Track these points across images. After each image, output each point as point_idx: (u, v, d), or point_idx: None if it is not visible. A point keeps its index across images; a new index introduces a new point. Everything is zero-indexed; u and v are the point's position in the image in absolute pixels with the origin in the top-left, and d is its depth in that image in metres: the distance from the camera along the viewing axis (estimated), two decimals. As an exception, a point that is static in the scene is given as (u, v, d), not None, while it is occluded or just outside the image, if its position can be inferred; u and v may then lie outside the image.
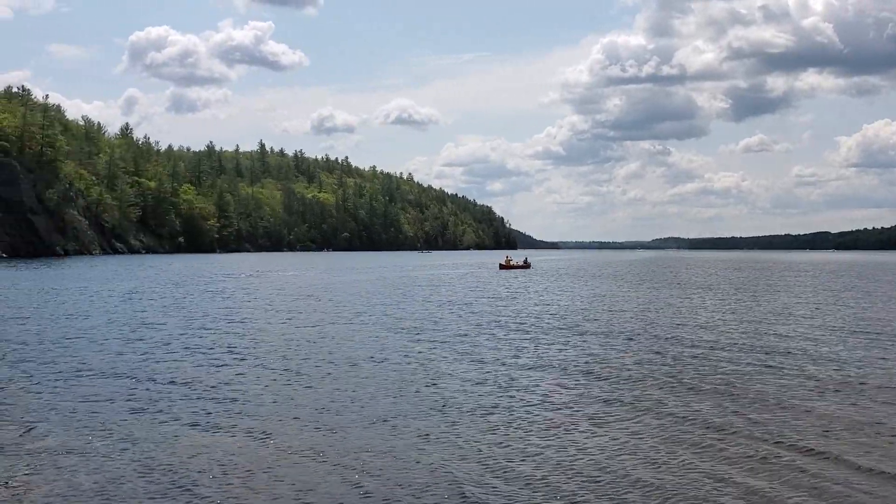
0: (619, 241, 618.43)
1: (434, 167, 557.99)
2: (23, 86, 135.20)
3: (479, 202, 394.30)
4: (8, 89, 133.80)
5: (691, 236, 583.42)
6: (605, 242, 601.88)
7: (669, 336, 20.18)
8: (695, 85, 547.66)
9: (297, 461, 8.89)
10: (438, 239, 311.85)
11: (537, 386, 13.19)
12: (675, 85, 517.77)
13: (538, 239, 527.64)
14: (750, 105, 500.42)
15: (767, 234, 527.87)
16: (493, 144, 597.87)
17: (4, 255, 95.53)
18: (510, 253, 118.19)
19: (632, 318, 25.32)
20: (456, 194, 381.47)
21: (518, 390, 12.82)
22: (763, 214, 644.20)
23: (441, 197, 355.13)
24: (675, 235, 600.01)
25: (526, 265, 76.20)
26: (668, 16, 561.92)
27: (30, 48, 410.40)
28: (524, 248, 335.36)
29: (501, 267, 73.35)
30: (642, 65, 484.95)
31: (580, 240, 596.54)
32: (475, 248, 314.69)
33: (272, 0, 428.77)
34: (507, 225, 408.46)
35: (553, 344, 18.63)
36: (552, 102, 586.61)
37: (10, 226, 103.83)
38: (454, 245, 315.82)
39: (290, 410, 11.50)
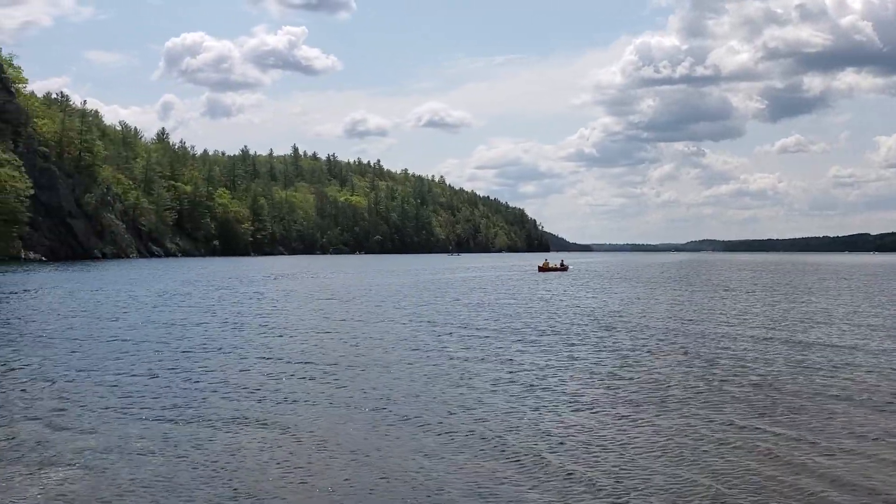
0: (653, 243, 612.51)
1: (466, 170, 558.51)
2: (62, 92, 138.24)
3: (511, 204, 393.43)
4: (47, 95, 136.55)
5: (727, 238, 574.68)
6: (638, 245, 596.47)
7: (715, 340, 19.34)
8: (729, 86, 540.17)
9: (336, 459, 8.75)
10: (470, 241, 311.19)
11: (587, 387, 12.58)
12: (709, 86, 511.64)
13: (571, 241, 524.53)
14: (786, 105, 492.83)
15: (805, 235, 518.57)
16: (526, 146, 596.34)
17: (44, 259, 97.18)
18: (548, 256, 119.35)
19: (674, 320, 24.44)
20: (488, 196, 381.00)
21: (569, 393, 12.19)
22: (800, 216, 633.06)
23: (473, 199, 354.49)
24: (711, 238, 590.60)
25: (563, 268, 75.52)
26: (702, 16, 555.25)
27: (69, 55, 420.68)
28: (556, 250, 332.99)
29: (540, 269, 73.07)
30: (676, 66, 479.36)
31: (613, 242, 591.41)
32: (507, 251, 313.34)
33: (306, 5, 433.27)
34: (540, 227, 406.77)
35: (600, 347, 17.93)
36: (584, 104, 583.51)
37: (49, 230, 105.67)
38: (486, 248, 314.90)
39: (329, 408, 11.37)
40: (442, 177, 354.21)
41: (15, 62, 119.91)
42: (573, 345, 18.37)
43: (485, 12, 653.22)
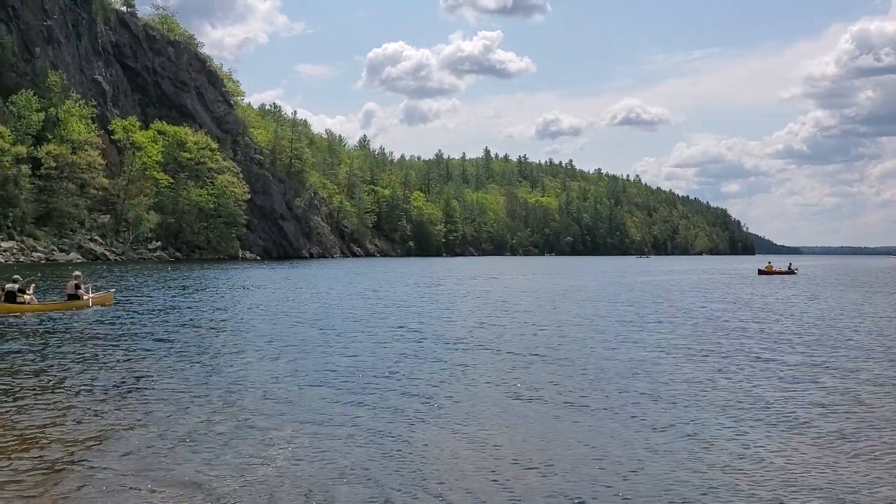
0: (872, 245, 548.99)
1: (664, 168, 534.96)
2: (274, 103, 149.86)
3: (712, 204, 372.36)
4: (262, 107, 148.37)
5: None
6: (855, 247, 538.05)
7: None
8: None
9: (515, 464, 8.12)
10: (668, 243, 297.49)
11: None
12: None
13: (778, 244, 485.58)
14: None
15: None
16: (729, 143, 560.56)
17: (258, 258, 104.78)
18: (757, 258, 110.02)
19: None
20: (687, 196, 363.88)
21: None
22: None
23: (671, 199, 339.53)
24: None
25: (791, 271, 67.83)
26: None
27: (281, 68, 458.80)
28: (763, 252, 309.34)
29: (761, 272, 66.53)
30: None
31: (826, 244, 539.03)
32: (707, 254, 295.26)
33: (501, 10, 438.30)
34: (744, 228, 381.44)
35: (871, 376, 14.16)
36: (793, 97, 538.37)
37: (263, 231, 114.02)
38: (685, 250, 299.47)
39: (514, 411, 10.52)
40: (638, 176, 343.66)
41: (234, 77, 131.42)
42: (823, 366, 14.69)
43: (681, 7, 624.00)
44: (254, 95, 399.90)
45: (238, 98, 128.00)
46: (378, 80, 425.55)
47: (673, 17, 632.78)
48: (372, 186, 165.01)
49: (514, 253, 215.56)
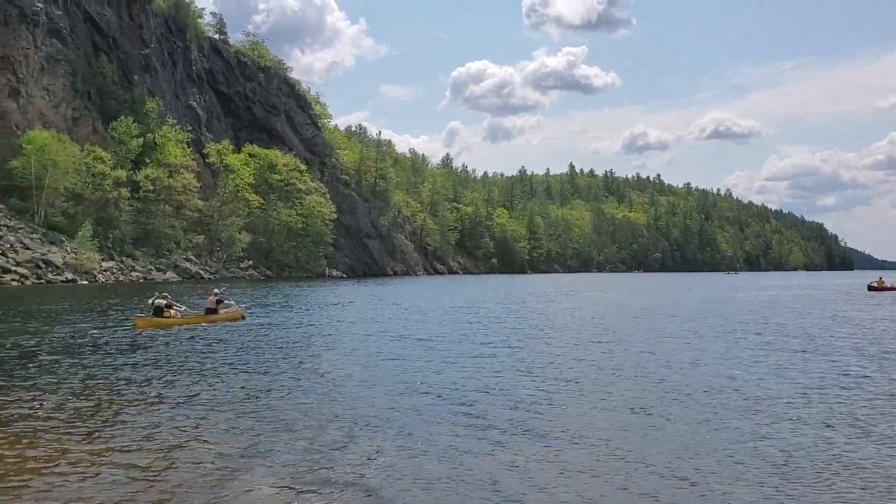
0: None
1: (755, 182, 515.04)
2: (360, 124, 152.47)
3: (807, 218, 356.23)
4: (348, 128, 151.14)
5: None
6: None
7: None
8: None
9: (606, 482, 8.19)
10: (760, 259, 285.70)
11: None
12: None
13: (880, 259, 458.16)
14: None
15: None
16: (824, 155, 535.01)
17: (344, 276, 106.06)
18: (881, 274, 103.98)
19: None
20: (780, 210, 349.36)
21: None
22: None
23: (763, 214, 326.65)
24: None
25: None
26: None
27: (367, 91, 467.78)
28: (862, 268, 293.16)
29: (871, 288, 62.03)
30: None
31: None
32: (803, 269, 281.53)
33: (585, 25, 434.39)
34: (842, 243, 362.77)
35: None
36: (893, 107, 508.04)
37: (349, 249, 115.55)
38: (779, 265, 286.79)
39: (601, 429, 10.52)
40: (728, 190, 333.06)
41: (321, 100, 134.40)
42: None
43: (768, 19, 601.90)
44: (341, 118, 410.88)
45: (325, 120, 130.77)
46: (461, 99, 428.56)
47: (759, 29, 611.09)
48: (455, 204, 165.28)
49: (600, 269, 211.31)
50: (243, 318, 27.16)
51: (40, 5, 72.10)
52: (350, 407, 11.64)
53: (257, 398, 12.29)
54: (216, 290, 27.69)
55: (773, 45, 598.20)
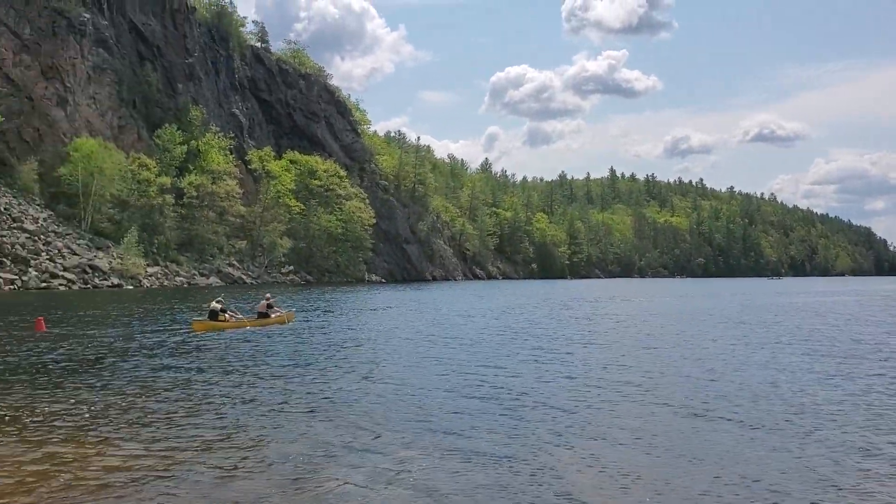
0: None
1: (801, 186, 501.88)
2: (399, 130, 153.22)
3: (855, 223, 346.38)
4: (387, 134, 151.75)
5: None
6: None
7: None
8: None
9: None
10: (806, 264, 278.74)
11: None
12: None
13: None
14: None
15: None
16: (873, 158, 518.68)
17: (383, 280, 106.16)
18: None
19: None
20: (827, 214, 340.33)
21: None
22: None
23: (809, 218, 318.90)
24: None
25: None
26: None
27: (407, 96, 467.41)
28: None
29: None
30: None
31: None
32: (850, 274, 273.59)
33: (626, 29, 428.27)
34: (892, 248, 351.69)
35: None
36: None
37: (388, 254, 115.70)
38: (825, 271, 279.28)
39: (647, 434, 10.32)
40: (773, 194, 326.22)
41: (361, 106, 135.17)
42: None
43: (812, 19, 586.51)
44: (380, 123, 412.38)
45: (365, 126, 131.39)
46: (500, 104, 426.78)
47: (803, 30, 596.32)
48: (494, 209, 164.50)
49: (642, 275, 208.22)
50: (292, 321, 28.13)
51: (87, 16, 73.71)
52: (399, 409, 11.81)
53: (316, 400, 12.53)
54: (268, 295, 29.13)
55: (818, 46, 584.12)
